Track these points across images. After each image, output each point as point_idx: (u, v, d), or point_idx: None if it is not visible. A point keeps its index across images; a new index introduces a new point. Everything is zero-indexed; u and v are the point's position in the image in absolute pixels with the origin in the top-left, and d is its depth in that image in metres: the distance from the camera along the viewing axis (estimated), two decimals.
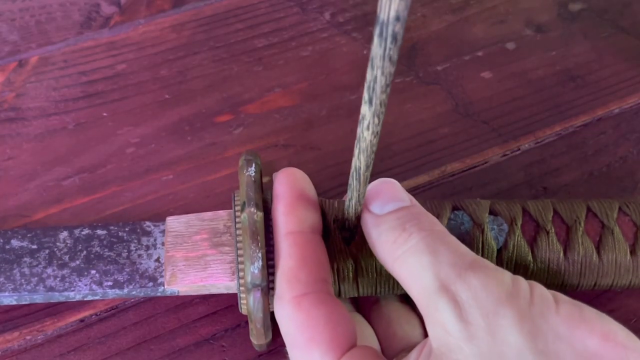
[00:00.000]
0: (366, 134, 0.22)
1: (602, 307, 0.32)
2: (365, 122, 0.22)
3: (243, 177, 0.28)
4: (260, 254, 0.26)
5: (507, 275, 0.23)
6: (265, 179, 0.36)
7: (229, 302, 0.32)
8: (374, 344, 0.28)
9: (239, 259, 0.27)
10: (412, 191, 0.36)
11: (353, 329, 0.25)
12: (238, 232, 0.28)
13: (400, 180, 0.36)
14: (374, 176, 0.36)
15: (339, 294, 0.28)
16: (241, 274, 0.27)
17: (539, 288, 0.23)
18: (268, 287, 0.27)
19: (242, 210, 0.27)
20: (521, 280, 0.23)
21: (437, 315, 0.23)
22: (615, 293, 0.32)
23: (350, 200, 0.26)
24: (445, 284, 0.23)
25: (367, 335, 0.29)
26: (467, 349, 0.22)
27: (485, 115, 0.39)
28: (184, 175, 0.36)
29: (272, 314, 0.28)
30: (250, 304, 0.26)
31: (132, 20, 0.44)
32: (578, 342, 0.22)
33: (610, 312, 0.32)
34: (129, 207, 0.35)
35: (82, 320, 0.31)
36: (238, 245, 0.28)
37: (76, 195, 0.36)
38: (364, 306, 0.30)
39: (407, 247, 0.24)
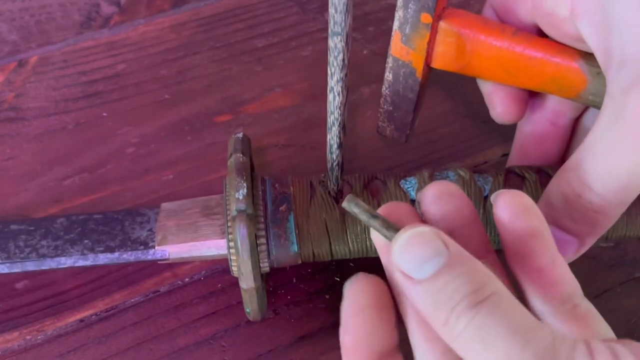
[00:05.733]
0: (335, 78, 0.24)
1: (602, 307, 0.32)
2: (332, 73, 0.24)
3: (231, 140, 0.30)
4: (245, 185, 0.27)
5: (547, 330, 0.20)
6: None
7: (228, 302, 0.32)
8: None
9: (227, 198, 0.28)
10: None
11: None
12: (226, 185, 0.29)
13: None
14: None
15: (330, 251, 0.29)
16: (228, 211, 0.28)
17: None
18: (255, 217, 0.27)
19: (229, 159, 0.29)
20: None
21: None
22: (616, 293, 0.32)
23: (331, 144, 0.27)
24: None
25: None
26: None
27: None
28: (184, 175, 0.36)
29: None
30: (236, 233, 0.27)
31: (132, 20, 0.44)
32: None
33: (611, 312, 0.32)
34: (129, 207, 0.35)
35: (81, 320, 0.31)
36: (227, 194, 0.28)
37: (76, 195, 0.36)
38: None
39: (460, 333, 0.21)
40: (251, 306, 0.29)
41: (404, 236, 0.21)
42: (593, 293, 0.32)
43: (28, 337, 0.31)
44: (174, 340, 0.31)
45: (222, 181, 0.36)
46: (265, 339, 0.31)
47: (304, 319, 0.32)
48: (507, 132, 0.39)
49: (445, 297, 0.21)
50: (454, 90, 0.40)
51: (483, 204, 0.29)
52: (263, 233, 0.28)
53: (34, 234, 0.30)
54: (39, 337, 0.31)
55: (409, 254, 0.21)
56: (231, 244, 0.27)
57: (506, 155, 0.37)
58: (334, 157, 0.28)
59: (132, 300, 0.32)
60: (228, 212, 0.28)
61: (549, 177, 0.29)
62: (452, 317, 0.20)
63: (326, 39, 0.43)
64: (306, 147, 0.38)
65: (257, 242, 0.27)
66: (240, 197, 0.27)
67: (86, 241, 0.30)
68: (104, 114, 0.39)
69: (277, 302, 0.32)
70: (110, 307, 0.32)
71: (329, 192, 0.29)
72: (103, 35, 0.43)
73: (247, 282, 0.28)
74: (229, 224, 0.27)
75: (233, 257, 0.27)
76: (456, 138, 0.38)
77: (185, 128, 0.38)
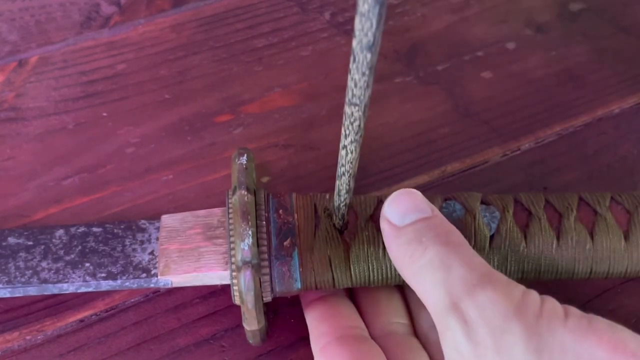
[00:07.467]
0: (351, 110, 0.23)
1: (602, 307, 0.32)
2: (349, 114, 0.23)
3: (235, 165, 0.29)
4: (250, 232, 0.27)
5: (517, 289, 0.23)
6: (264, 179, 0.36)
7: (228, 302, 0.32)
8: (360, 324, 0.29)
9: (231, 244, 0.28)
10: None
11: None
12: (230, 216, 0.28)
13: (400, 181, 0.36)
14: (372, 176, 0.36)
15: (333, 284, 0.28)
16: (233, 259, 0.27)
17: (550, 302, 0.23)
18: (259, 266, 0.27)
19: (233, 194, 0.28)
20: (532, 293, 0.23)
21: (449, 335, 0.23)
22: (616, 293, 0.32)
23: (340, 189, 0.27)
24: (455, 301, 0.23)
25: (353, 316, 0.29)
26: None
27: (486, 115, 0.39)
28: (184, 175, 0.36)
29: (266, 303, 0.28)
30: (240, 283, 0.26)
31: (132, 20, 0.44)
32: (586, 354, 0.21)
33: (611, 312, 0.32)
34: (128, 207, 0.35)
35: (81, 321, 0.31)
36: (230, 231, 0.28)
37: (76, 195, 0.36)
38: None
39: (423, 262, 0.24)
40: (254, 340, 0.29)
41: (394, 193, 0.26)
42: (593, 293, 0.32)
43: (28, 337, 0.31)
44: (174, 340, 0.31)
45: (222, 181, 0.36)
46: (265, 339, 0.31)
47: (304, 319, 0.32)
48: (507, 132, 0.39)
49: (416, 235, 0.25)
50: (454, 90, 0.40)
51: (489, 244, 0.28)
52: (267, 271, 0.27)
53: (33, 251, 0.30)
54: (39, 337, 0.31)
55: (395, 206, 0.26)
56: (235, 287, 0.27)
57: (506, 155, 0.37)
58: (342, 199, 0.27)
59: (132, 300, 0.32)
60: (233, 258, 0.27)
61: (555, 212, 0.29)
62: (420, 248, 0.24)
63: (326, 39, 0.43)
64: (306, 147, 0.38)
65: (261, 280, 0.27)
66: (246, 248, 0.27)
67: (87, 264, 0.29)
68: (104, 114, 0.39)
69: (277, 302, 0.32)
70: (110, 307, 0.32)
71: (334, 225, 0.28)
72: (103, 35, 0.43)
73: (251, 325, 0.28)
74: (234, 273, 0.27)
75: (236, 295, 0.27)
76: (456, 138, 0.38)
77: (185, 128, 0.38)
